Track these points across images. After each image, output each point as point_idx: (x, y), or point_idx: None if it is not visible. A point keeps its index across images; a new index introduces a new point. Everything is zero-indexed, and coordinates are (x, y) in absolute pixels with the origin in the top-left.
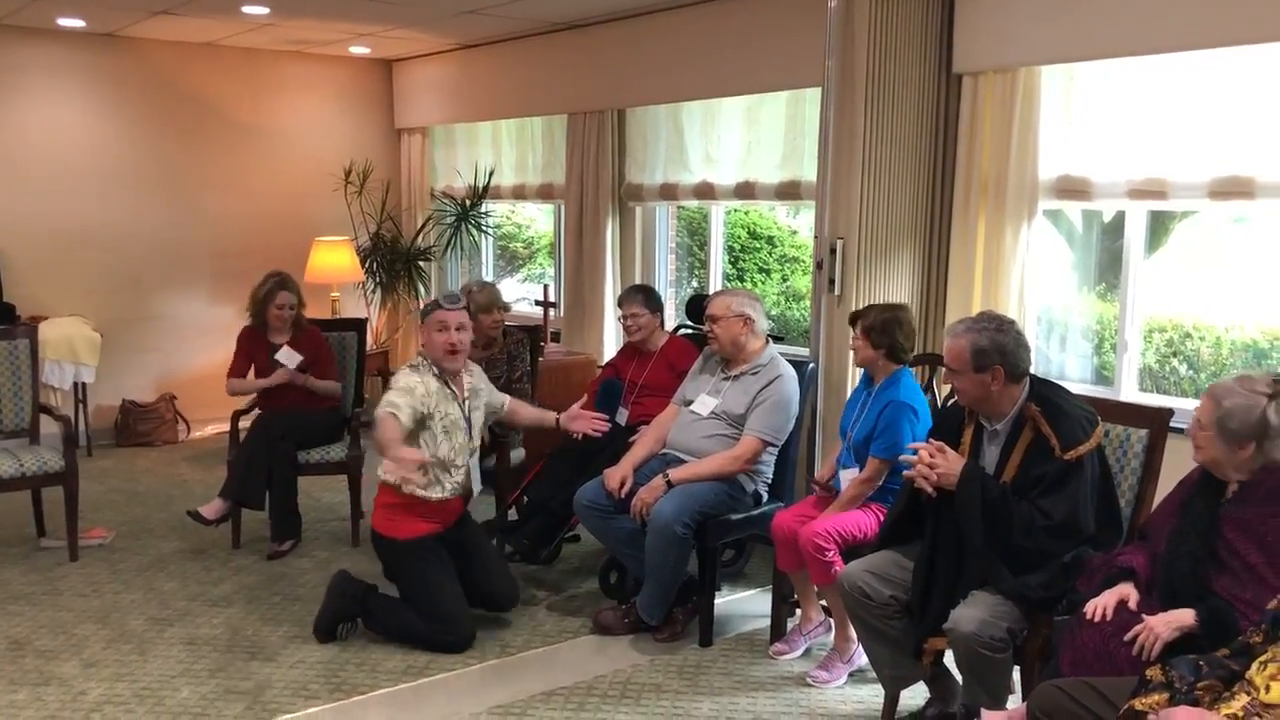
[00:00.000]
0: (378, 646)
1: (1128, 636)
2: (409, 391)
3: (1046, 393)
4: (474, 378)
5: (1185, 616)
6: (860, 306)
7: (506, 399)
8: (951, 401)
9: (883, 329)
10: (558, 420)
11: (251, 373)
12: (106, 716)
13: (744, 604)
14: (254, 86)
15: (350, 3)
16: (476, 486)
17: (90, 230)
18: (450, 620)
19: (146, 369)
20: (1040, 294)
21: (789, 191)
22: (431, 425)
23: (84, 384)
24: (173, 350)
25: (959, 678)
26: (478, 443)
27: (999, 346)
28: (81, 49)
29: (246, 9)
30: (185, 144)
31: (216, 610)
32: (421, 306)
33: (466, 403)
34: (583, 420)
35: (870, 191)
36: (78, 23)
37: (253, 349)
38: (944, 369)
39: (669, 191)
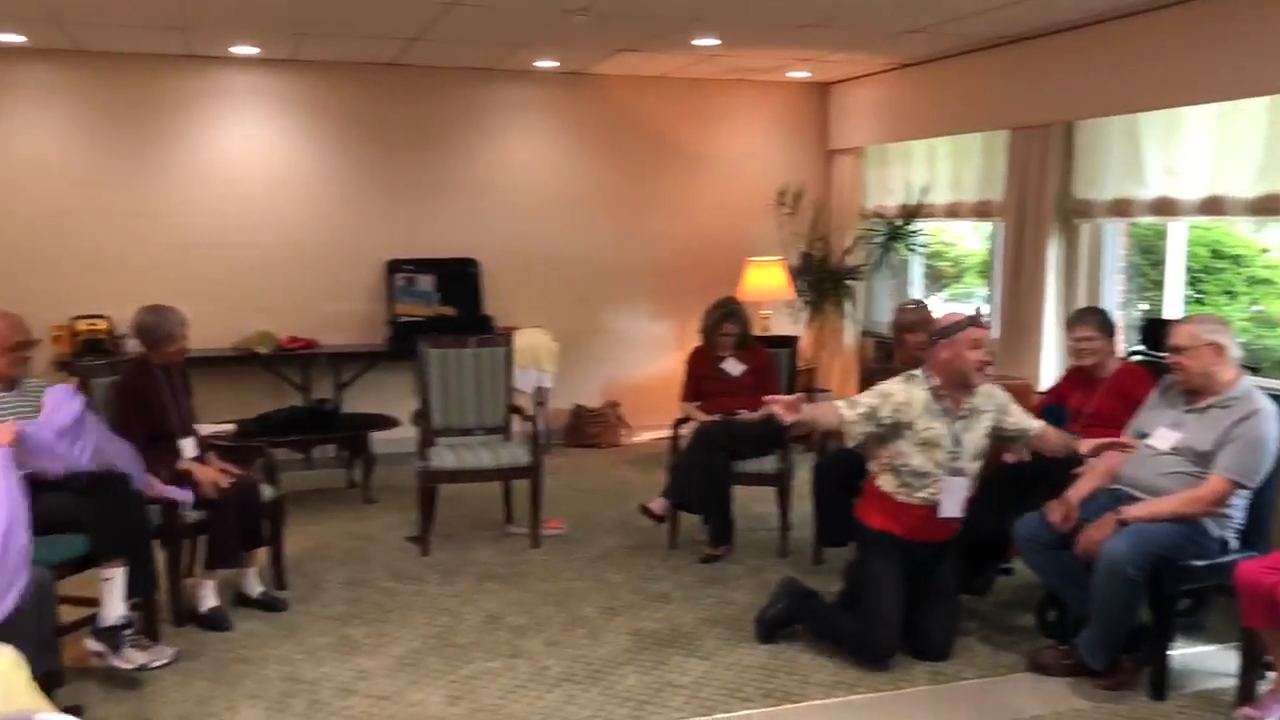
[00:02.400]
0: (808, 657)
1: None
2: (883, 395)
3: None
4: (979, 399)
5: None
6: None
7: (1037, 425)
8: None
9: None
10: (1080, 452)
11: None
12: (565, 693)
13: (1204, 659)
14: (698, 114)
15: (795, 30)
16: (958, 511)
17: (554, 250)
18: (883, 622)
19: (595, 377)
20: None
21: (1267, 207)
22: (907, 435)
23: (544, 389)
24: (618, 360)
25: None
26: (970, 464)
27: None
28: (554, 87)
29: (698, 41)
30: (636, 170)
31: (657, 605)
32: (942, 324)
33: (961, 421)
34: (1110, 451)
35: None
36: (552, 64)
37: (701, 368)
38: None
39: (1121, 208)
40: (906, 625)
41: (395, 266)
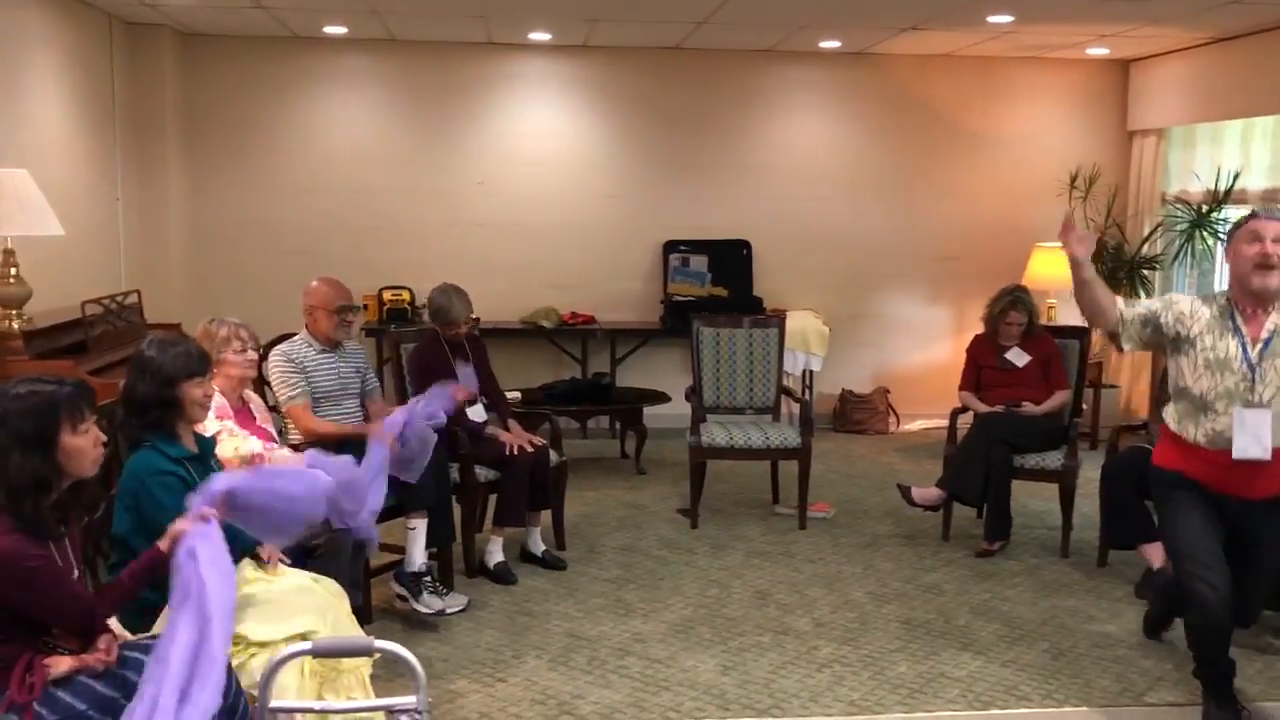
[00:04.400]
0: (1091, 662)
1: None
2: (1167, 302)
3: None
4: None
5: None
6: None
7: None
8: None
9: None
10: None
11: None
12: (835, 674)
13: None
14: (984, 93)
15: (1099, 4)
16: (1261, 453)
17: (828, 232)
18: (1197, 559)
19: (864, 362)
20: None
21: None
22: (1188, 352)
23: (811, 372)
24: (889, 346)
25: None
26: (1274, 396)
27: None
28: (835, 67)
29: (991, 18)
30: (915, 152)
31: (929, 596)
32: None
33: (1262, 345)
34: None
35: None
36: (836, 44)
37: (982, 356)
38: None
39: None
40: None
41: (671, 247)
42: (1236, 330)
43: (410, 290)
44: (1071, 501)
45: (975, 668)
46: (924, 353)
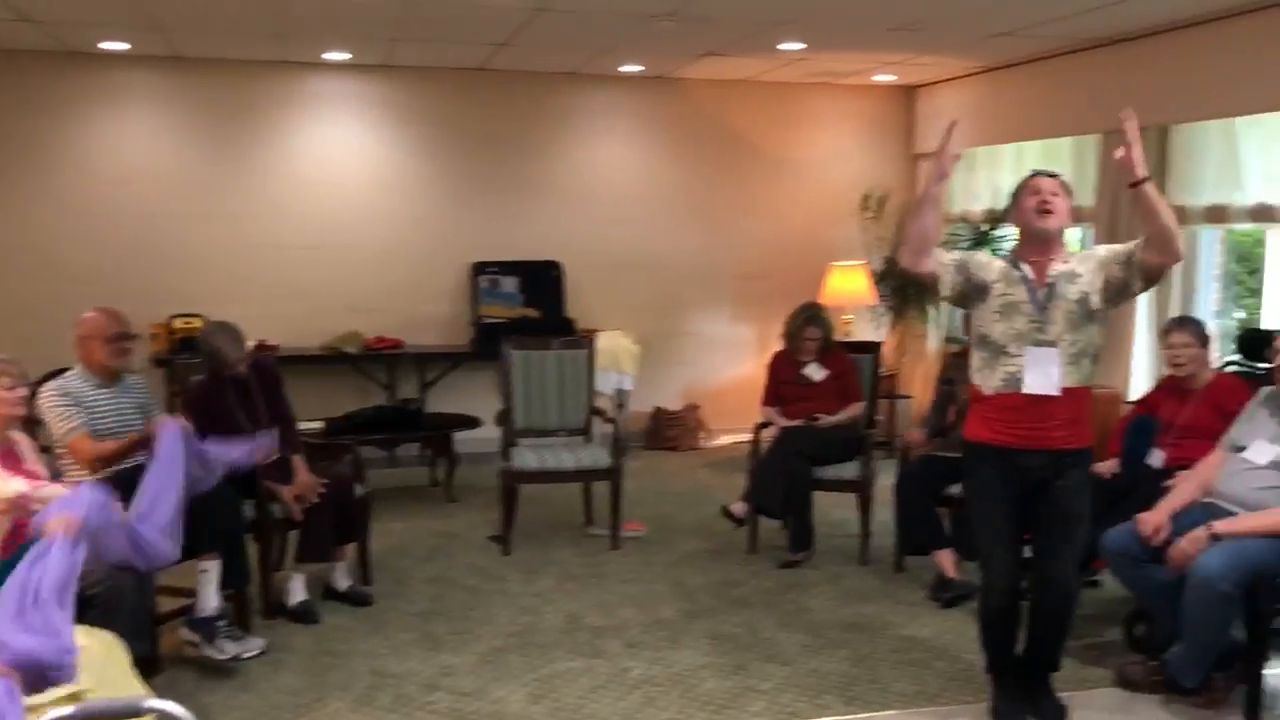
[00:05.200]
0: (889, 666)
1: None
2: (969, 253)
3: None
4: (1073, 263)
5: None
6: None
7: (1134, 242)
8: None
9: None
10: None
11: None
12: (645, 695)
13: None
14: (781, 118)
15: (884, 33)
16: (1049, 388)
17: (637, 253)
18: (984, 554)
19: (676, 380)
20: None
21: None
22: (986, 299)
23: (625, 391)
24: (699, 363)
25: None
26: (1064, 336)
27: None
28: (638, 91)
29: (783, 45)
30: (719, 174)
31: (736, 610)
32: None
33: (1047, 288)
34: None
35: None
36: (637, 68)
37: (781, 372)
38: None
39: (1217, 214)
40: (1032, 560)
41: (480, 268)
42: (1024, 278)
43: (203, 317)
44: (869, 509)
45: (781, 679)
46: (732, 369)
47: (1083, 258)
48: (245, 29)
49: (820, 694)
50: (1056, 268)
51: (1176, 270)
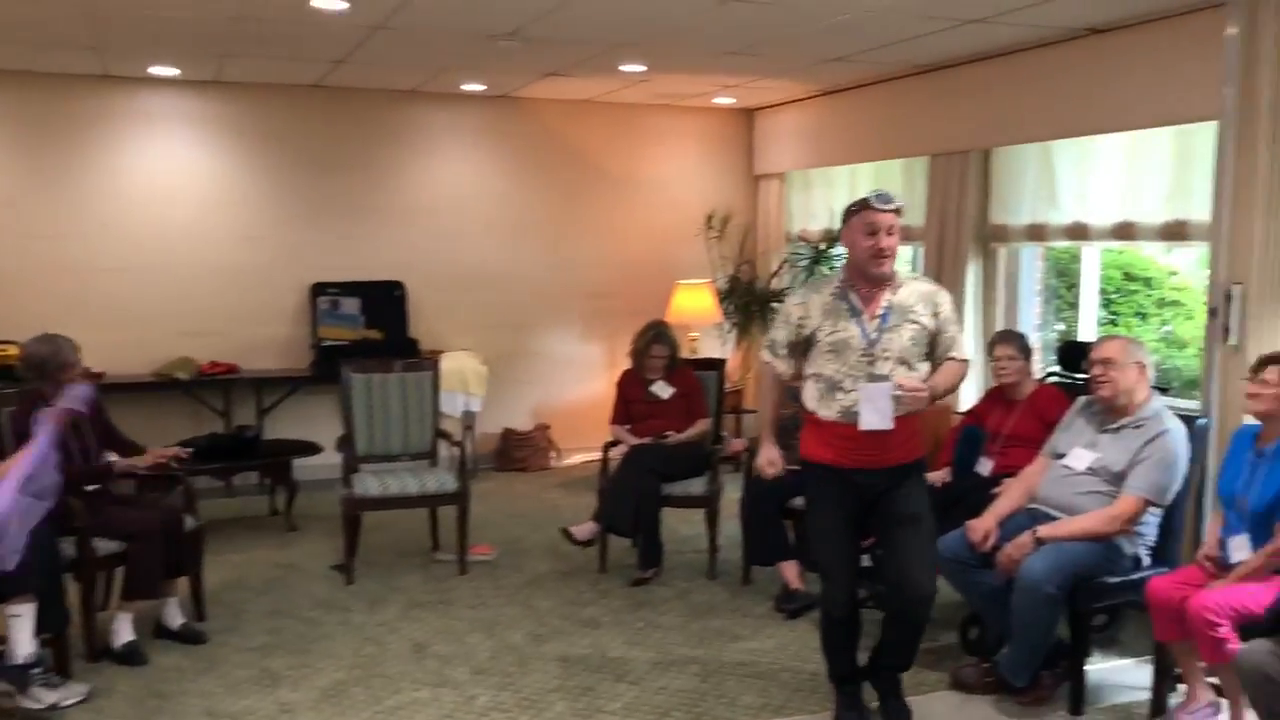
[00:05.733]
0: (736, 680)
1: None
2: (784, 318)
3: None
4: (910, 298)
5: None
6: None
7: (960, 356)
8: None
9: None
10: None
11: (627, 431)
12: None
13: (1118, 673)
14: (626, 138)
15: (721, 57)
16: (883, 423)
17: (482, 272)
18: (823, 566)
19: (525, 400)
20: None
21: (1175, 232)
22: (818, 342)
23: (472, 412)
24: (548, 382)
25: None
26: (895, 369)
27: None
28: (481, 110)
29: (625, 67)
30: (564, 193)
31: (586, 631)
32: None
33: (878, 320)
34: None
35: (1276, 232)
36: (479, 87)
37: (629, 390)
38: None
39: (1037, 233)
40: (881, 567)
41: (319, 289)
42: (853, 311)
43: (18, 345)
44: (716, 524)
45: (630, 699)
46: (581, 388)
47: (922, 296)
48: (57, 40)
49: (668, 712)
50: (887, 298)
51: (1001, 286)
